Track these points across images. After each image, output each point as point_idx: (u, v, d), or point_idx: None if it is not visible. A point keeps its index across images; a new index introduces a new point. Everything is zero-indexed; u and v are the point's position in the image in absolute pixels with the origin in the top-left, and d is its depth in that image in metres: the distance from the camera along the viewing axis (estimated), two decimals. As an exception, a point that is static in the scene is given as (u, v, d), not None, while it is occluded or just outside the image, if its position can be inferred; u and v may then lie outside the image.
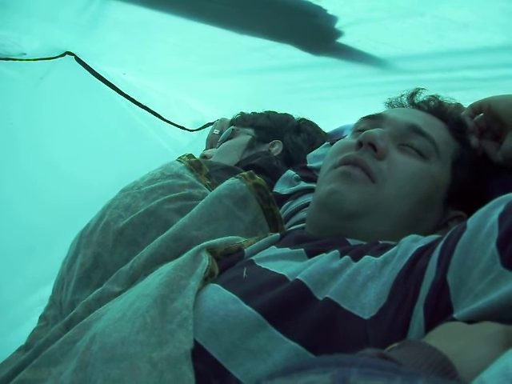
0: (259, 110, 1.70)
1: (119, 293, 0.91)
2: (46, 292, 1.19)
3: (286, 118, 1.67)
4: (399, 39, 1.45)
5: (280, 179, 1.41)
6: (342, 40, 1.51)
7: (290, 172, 1.41)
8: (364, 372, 0.32)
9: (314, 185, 1.29)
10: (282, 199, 1.31)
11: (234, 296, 0.73)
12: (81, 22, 1.71)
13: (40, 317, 1.13)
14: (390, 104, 1.14)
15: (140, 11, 1.59)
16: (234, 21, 1.54)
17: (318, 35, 1.52)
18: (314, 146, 1.54)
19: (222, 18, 1.53)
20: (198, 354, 0.67)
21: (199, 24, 1.60)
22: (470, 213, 0.95)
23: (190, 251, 0.86)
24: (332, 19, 1.37)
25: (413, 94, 1.11)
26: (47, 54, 1.92)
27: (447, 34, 1.37)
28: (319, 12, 1.33)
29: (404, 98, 1.12)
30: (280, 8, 1.39)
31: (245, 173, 1.10)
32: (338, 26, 1.41)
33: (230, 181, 1.08)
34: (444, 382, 0.37)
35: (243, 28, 1.57)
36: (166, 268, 0.83)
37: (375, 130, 0.97)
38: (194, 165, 1.21)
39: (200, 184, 1.16)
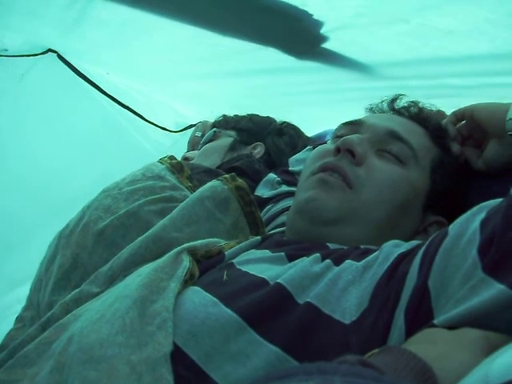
0: (242, 112, 1.70)
1: (97, 294, 0.90)
2: (23, 291, 1.18)
3: (269, 120, 1.67)
4: (384, 45, 1.46)
5: (261, 182, 1.41)
6: (326, 45, 1.51)
7: (272, 175, 1.41)
8: (346, 381, 0.32)
9: (295, 189, 1.29)
10: (263, 202, 1.31)
11: (214, 299, 0.73)
12: (65, 20, 1.70)
13: (17, 318, 1.11)
14: (370, 109, 1.14)
15: (124, 10, 1.58)
16: (219, 22, 1.54)
17: (302, 39, 1.52)
18: (295, 149, 1.55)
19: (207, 19, 1.53)
20: (178, 356, 0.66)
21: (184, 24, 1.59)
22: (449, 218, 0.97)
23: (171, 253, 0.86)
24: (317, 24, 1.37)
25: (393, 100, 1.12)
26: (29, 50, 1.89)
27: (432, 41, 1.38)
28: (305, 16, 1.33)
29: (384, 104, 1.13)
30: (265, 11, 1.39)
31: (227, 175, 1.10)
32: (323, 30, 1.41)
33: (212, 183, 1.07)
34: None
35: (228, 30, 1.57)
36: (146, 269, 0.82)
37: (353, 136, 0.98)
38: (175, 167, 1.20)
39: (181, 186, 1.16)
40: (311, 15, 1.33)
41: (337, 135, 1.06)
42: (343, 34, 1.45)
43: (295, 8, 1.34)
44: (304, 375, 0.33)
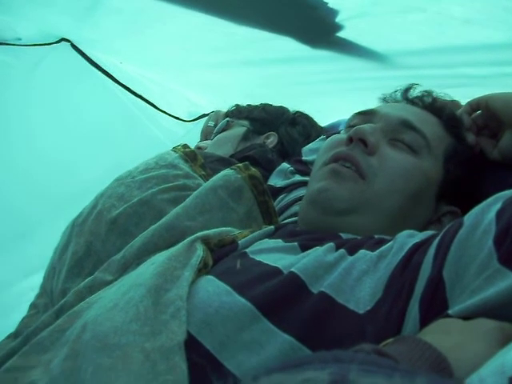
0: (255, 102, 1.70)
1: (111, 281, 0.91)
2: (36, 280, 1.18)
3: (282, 110, 1.67)
4: (399, 34, 1.44)
5: (275, 172, 1.40)
6: (341, 34, 1.50)
7: (285, 165, 1.40)
8: (363, 369, 0.31)
9: (308, 178, 1.28)
10: (277, 192, 1.31)
11: (227, 288, 0.73)
12: (78, 9, 1.69)
13: (30, 305, 1.12)
14: (384, 99, 1.14)
15: (138, -2, 1.58)
16: (234, 11, 1.53)
17: (317, 28, 1.51)
18: (309, 139, 1.54)
19: (222, 8, 1.52)
20: (192, 345, 0.66)
21: (198, 13, 1.58)
22: (463, 208, 0.96)
23: (184, 241, 0.86)
24: (333, 12, 1.36)
25: (407, 90, 1.11)
26: (43, 40, 1.89)
27: (448, 30, 1.36)
28: (320, 5, 1.32)
29: (398, 94, 1.12)
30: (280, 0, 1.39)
31: (240, 164, 1.09)
32: (338, 19, 1.40)
33: (225, 172, 1.07)
34: (442, 379, 0.37)
35: (242, 18, 1.56)
36: (160, 258, 0.83)
37: (366, 126, 0.97)
38: (188, 155, 1.20)
39: (194, 174, 1.16)
40: (326, 3, 1.32)
41: (350, 125, 1.06)
42: (358, 22, 1.44)
43: (311, -4, 1.33)
44: (320, 363, 0.33)
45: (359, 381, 0.30)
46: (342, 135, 1.03)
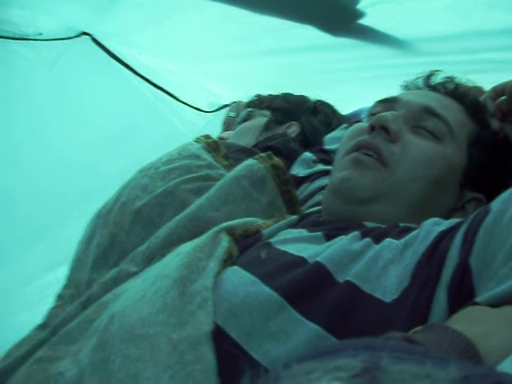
0: (275, 92, 1.69)
1: (136, 273, 0.91)
2: (61, 272, 1.20)
3: (303, 99, 1.66)
4: (422, 20, 1.42)
5: (297, 161, 1.40)
6: (363, 21, 1.49)
7: (307, 154, 1.40)
8: (395, 356, 0.31)
9: (331, 167, 1.28)
10: (299, 181, 1.31)
11: (253, 278, 0.73)
12: (98, 2, 1.70)
13: (57, 296, 1.13)
14: (406, 87, 1.13)
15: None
16: (253, 0, 1.52)
17: (339, 16, 1.50)
18: (330, 127, 1.54)
19: (241, -2, 1.51)
20: (218, 335, 0.66)
21: (217, 3, 1.57)
22: (488, 195, 0.95)
23: (209, 232, 0.86)
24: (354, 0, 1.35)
25: (429, 76, 1.10)
26: (64, 34, 1.90)
27: (472, 15, 1.34)
28: (341, -8, 1.31)
29: (420, 81, 1.11)
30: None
31: (263, 154, 1.09)
32: (360, 6, 1.38)
33: (248, 162, 1.07)
34: (475, 366, 0.36)
35: (262, 8, 1.55)
36: (185, 249, 0.83)
37: (388, 113, 0.96)
38: (211, 146, 1.20)
39: (217, 165, 1.16)
40: (348, -10, 1.31)
41: (372, 113, 1.05)
42: (380, 9, 1.42)
43: (332, -16, 1.32)
44: (351, 351, 0.33)
45: (391, 368, 0.30)
46: (364, 124, 1.02)
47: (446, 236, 0.75)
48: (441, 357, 0.35)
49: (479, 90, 1.10)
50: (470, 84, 1.10)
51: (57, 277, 1.54)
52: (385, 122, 0.94)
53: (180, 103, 2.34)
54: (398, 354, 0.32)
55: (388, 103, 1.03)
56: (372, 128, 0.96)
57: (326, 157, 1.36)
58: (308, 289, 0.71)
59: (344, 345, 0.35)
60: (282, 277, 0.72)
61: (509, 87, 1.01)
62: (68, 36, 1.92)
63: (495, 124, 1.03)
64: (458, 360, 0.39)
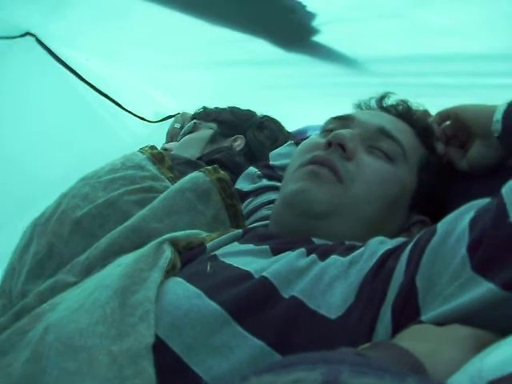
0: (223, 104, 1.69)
1: (74, 283, 0.89)
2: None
3: (250, 114, 1.66)
4: (376, 40, 1.45)
5: (242, 176, 1.39)
6: (317, 38, 1.50)
7: (252, 169, 1.39)
8: (354, 370, 0.31)
9: (276, 183, 1.28)
10: (244, 196, 1.30)
11: (197, 291, 0.72)
12: (45, 2, 1.66)
13: (-13, 306, 1.08)
14: (358, 106, 1.14)
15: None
16: (207, 10, 1.51)
17: (293, 31, 1.50)
18: (276, 143, 1.54)
19: (194, 6, 1.49)
20: (159, 348, 0.65)
21: (170, 11, 1.56)
22: (432, 217, 0.97)
23: (152, 243, 0.84)
24: (310, 16, 1.36)
25: (382, 98, 1.12)
26: (6, 33, 1.84)
27: (425, 39, 1.37)
28: (298, 8, 1.31)
29: (373, 101, 1.12)
30: (257, 0, 1.37)
31: (209, 167, 1.08)
32: (315, 23, 1.40)
33: (194, 174, 1.06)
34: (432, 381, 0.37)
35: (216, 18, 1.54)
36: (127, 259, 0.81)
37: (345, 131, 0.97)
38: (156, 157, 1.19)
39: (162, 176, 1.14)
40: (304, 6, 1.32)
41: (326, 129, 1.05)
42: (335, 27, 1.44)
43: (290, -2, 1.32)
44: (310, 364, 0.32)
45: (351, 381, 0.30)
46: (319, 139, 1.02)
47: (391, 255, 0.75)
48: (399, 372, 0.35)
49: (426, 113, 1.12)
50: (421, 108, 1.13)
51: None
52: (342, 140, 0.95)
53: (124, 111, 2.30)
54: (357, 368, 0.32)
55: (343, 120, 1.04)
56: (329, 144, 0.96)
57: (271, 172, 1.36)
58: (253, 304, 0.70)
59: (301, 358, 0.35)
60: (228, 291, 0.71)
61: (453, 113, 1.04)
62: (11, 35, 1.86)
63: (440, 148, 1.06)
64: (416, 376, 0.39)
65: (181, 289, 0.73)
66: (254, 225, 1.10)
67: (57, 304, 0.78)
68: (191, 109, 1.75)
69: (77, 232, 1.02)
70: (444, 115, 1.07)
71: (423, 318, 0.64)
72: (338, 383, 0.29)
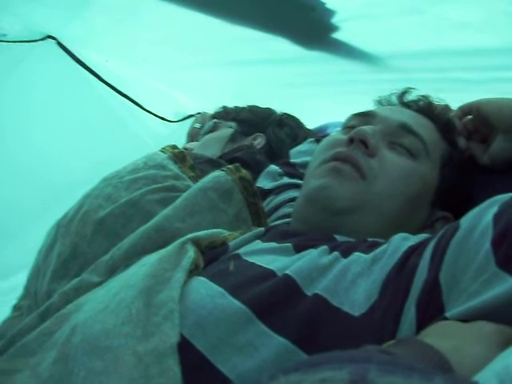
0: (243, 103, 1.69)
1: (98, 283, 0.89)
2: (18, 280, 1.16)
3: (269, 111, 1.67)
4: (396, 37, 1.44)
5: (263, 174, 1.39)
6: (337, 35, 1.50)
7: (273, 167, 1.39)
8: (381, 369, 0.31)
9: (297, 180, 1.28)
10: (265, 194, 1.30)
11: (221, 289, 0.72)
12: (65, 6, 1.67)
13: (13, 307, 1.10)
14: (379, 102, 1.14)
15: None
16: (227, 9, 1.51)
17: (313, 29, 1.50)
18: (296, 140, 1.54)
19: (214, 6, 1.50)
20: (184, 347, 0.65)
21: (189, 11, 1.56)
22: (455, 213, 0.97)
23: (175, 243, 0.84)
24: (329, 13, 1.35)
25: (403, 93, 1.11)
26: (28, 36, 1.86)
27: (445, 34, 1.36)
28: (317, 5, 1.31)
29: (394, 97, 1.12)
30: (277, -1, 1.38)
31: (230, 166, 1.08)
32: (334, 20, 1.39)
33: (216, 173, 1.06)
34: (460, 380, 0.37)
35: (236, 18, 1.54)
36: (150, 259, 0.81)
37: (367, 128, 0.96)
38: (177, 156, 1.19)
39: (184, 176, 1.14)
40: (324, 4, 1.31)
41: (348, 126, 1.05)
42: (355, 24, 1.44)
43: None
44: (337, 363, 0.32)
45: (378, 380, 0.30)
46: (341, 136, 1.02)
47: (414, 251, 0.75)
48: (426, 370, 0.35)
49: (447, 108, 1.12)
50: (442, 103, 1.12)
51: (13, 284, 1.50)
52: (364, 136, 0.94)
53: (144, 112, 2.31)
54: (384, 367, 0.32)
55: (364, 117, 1.04)
56: (351, 141, 0.96)
57: (292, 170, 1.36)
58: (277, 302, 0.70)
59: (328, 357, 0.35)
60: (251, 289, 0.71)
61: (474, 107, 1.03)
62: (33, 39, 1.88)
63: (462, 143, 1.05)
64: (444, 374, 0.39)
65: (204, 288, 0.73)
66: (276, 223, 1.10)
67: (82, 304, 0.78)
68: (211, 108, 1.76)
69: (100, 232, 1.03)
70: (466, 109, 1.06)
71: (448, 314, 0.64)
72: (365, 382, 0.29)
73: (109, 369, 0.62)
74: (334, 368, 0.31)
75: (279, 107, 1.67)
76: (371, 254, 0.78)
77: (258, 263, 0.79)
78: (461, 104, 1.08)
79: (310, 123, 1.69)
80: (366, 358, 0.34)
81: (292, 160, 1.40)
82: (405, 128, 0.99)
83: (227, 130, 1.60)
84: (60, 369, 0.65)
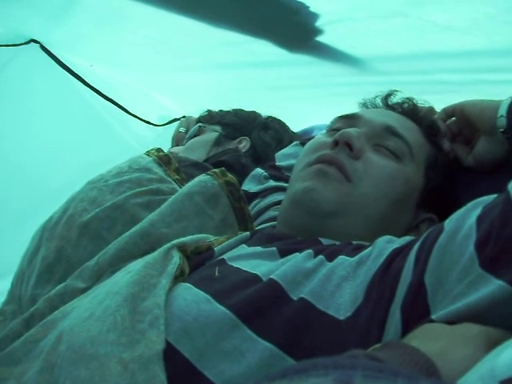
0: (228, 107, 1.69)
1: (83, 289, 0.89)
2: (3, 285, 1.15)
3: (254, 115, 1.67)
4: (380, 39, 1.44)
5: (248, 177, 1.40)
6: (321, 38, 1.49)
7: (259, 170, 1.40)
8: (366, 375, 0.31)
9: (282, 183, 1.29)
10: (251, 197, 1.30)
11: (206, 295, 0.72)
12: (49, 9, 1.66)
13: (-3, 311, 1.09)
14: (364, 104, 1.14)
15: (112, -1, 1.55)
16: (211, 13, 1.51)
17: (297, 32, 1.50)
18: (281, 143, 1.54)
19: (199, 10, 1.49)
20: (170, 354, 0.65)
21: (174, 15, 1.55)
22: (439, 215, 0.97)
23: (161, 249, 0.84)
24: (313, 16, 1.35)
25: (387, 96, 1.12)
26: (11, 40, 1.84)
27: (429, 36, 1.37)
28: (301, 8, 1.31)
29: (378, 99, 1.13)
30: (260, 2, 1.37)
31: (217, 170, 1.08)
32: (318, 23, 1.39)
33: (202, 178, 1.06)
34: None
35: (219, 21, 1.54)
36: (136, 266, 0.81)
37: (351, 130, 0.97)
38: (162, 159, 1.19)
39: (169, 179, 1.14)
40: (308, 7, 1.31)
41: (332, 128, 1.06)
42: (338, 27, 1.43)
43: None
44: (322, 369, 0.32)
45: None
46: (326, 138, 1.03)
47: (399, 254, 0.75)
48: (411, 374, 0.35)
49: (432, 110, 1.12)
50: (426, 105, 1.13)
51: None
52: (349, 139, 0.95)
53: (129, 115, 2.30)
54: (368, 373, 0.32)
55: (349, 119, 1.04)
56: (335, 143, 0.96)
57: (278, 173, 1.36)
58: (262, 307, 0.70)
59: (312, 364, 0.35)
60: (236, 295, 0.71)
61: (458, 109, 1.04)
62: (16, 43, 1.86)
63: (446, 145, 1.06)
64: (428, 379, 0.39)
65: (189, 294, 0.72)
66: (261, 227, 1.10)
67: (68, 312, 0.78)
68: (196, 111, 1.75)
69: (85, 236, 1.02)
70: (449, 111, 1.07)
71: (433, 316, 0.64)
72: None
73: (94, 377, 0.62)
74: (320, 375, 0.31)
75: (264, 110, 1.67)
76: (356, 257, 0.78)
77: (243, 268, 0.79)
78: (444, 106, 1.08)
79: (295, 126, 1.70)
80: (351, 364, 0.34)
81: (277, 163, 1.40)
82: (389, 130, 0.99)
83: (212, 133, 1.59)
84: (46, 378, 0.65)
